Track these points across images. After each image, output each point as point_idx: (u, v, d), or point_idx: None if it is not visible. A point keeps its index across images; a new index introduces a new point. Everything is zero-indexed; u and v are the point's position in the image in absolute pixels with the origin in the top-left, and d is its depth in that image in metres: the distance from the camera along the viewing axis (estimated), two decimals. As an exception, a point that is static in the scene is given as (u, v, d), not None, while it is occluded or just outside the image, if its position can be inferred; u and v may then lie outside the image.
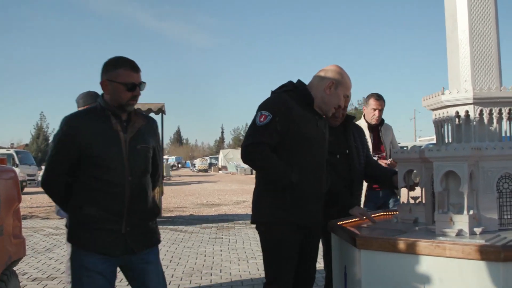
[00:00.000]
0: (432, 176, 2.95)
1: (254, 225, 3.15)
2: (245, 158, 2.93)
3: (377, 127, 5.20)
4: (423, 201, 3.12)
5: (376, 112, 5.10)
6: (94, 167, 2.64)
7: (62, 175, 2.69)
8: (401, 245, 2.42)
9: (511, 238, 2.45)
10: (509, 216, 2.74)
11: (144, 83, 2.76)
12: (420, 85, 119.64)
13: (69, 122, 2.67)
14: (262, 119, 2.90)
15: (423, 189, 3.09)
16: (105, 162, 2.62)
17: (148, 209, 2.79)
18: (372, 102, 5.12)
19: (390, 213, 3.69)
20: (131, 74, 2.70)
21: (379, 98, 5.15)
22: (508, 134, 2.90)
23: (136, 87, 2.70)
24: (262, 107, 3.00)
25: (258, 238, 3.21)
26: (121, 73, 2.68)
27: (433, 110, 3.12)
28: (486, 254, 2.18)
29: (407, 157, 3.16)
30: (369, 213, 3.38)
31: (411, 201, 3.23)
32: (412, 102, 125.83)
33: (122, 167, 2.65)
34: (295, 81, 3.19)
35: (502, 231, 2.65)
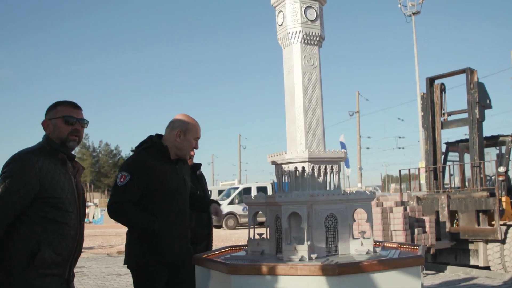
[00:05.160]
0: (275, 216, 3.80)
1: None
2: (111, 215, 3.42)
3: None
4: (268, 237, 3.94)
5: None
6: (51, 209, 2.66)
7: None
8: (264, 269, 3.17)
9: (337, 260, 3.41)
10: (332, 245, 3.71)
11: (86, 120, 2.86)
12: (216, 132, 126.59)
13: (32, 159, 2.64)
14: (122, 179, 3.36)
15: (268, 227, 3.92)
16: (64, 205, 2.70)
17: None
18: None
19: (237, 247, 4.45)
20: (71, 110, 2.80)
21: None
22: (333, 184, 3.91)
23: (75, 121, 2.79)
24: (122, 168, 3.46)
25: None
26: (60, 109, 2.79)
27: (276, 165, 4.02)
28: (326, 271, 3.05)
29: (255, 201, 3.97)
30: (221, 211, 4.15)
31: (257, 236, 4.03)
32: (209, 148, 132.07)
33: (78, 211, 2.81)
34: (153, 136, 3.72)
35: (329, 256, 3.62)
